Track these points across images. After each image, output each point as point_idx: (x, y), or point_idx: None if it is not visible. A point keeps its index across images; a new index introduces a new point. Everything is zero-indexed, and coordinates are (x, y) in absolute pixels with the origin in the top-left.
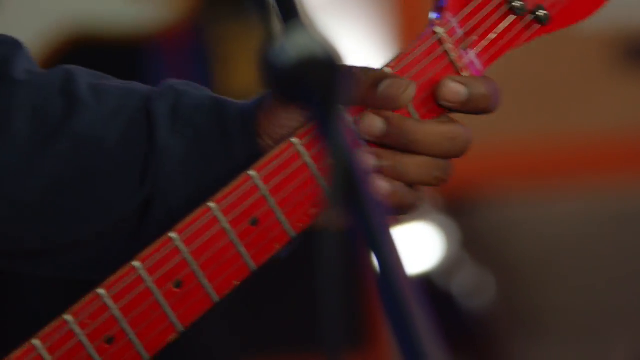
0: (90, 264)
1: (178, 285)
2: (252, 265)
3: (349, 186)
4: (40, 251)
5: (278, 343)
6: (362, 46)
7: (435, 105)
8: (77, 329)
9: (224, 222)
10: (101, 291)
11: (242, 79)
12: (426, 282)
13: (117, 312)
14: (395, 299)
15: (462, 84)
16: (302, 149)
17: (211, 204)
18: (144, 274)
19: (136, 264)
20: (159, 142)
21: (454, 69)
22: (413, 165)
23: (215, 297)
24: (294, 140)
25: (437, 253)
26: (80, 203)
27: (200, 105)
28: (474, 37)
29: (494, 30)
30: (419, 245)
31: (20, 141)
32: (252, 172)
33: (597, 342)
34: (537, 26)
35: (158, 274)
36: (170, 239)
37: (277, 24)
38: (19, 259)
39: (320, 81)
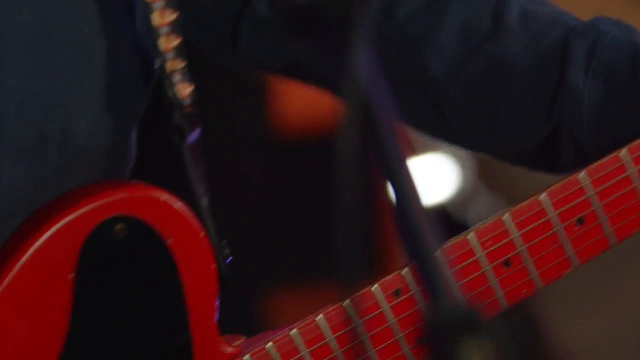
0: None
1: (580, 222)
2: None
3: (365, 118)
4: None
5: (293, 273)
6: None
7: None
8: (479, 250)
9: (633, 169)
10: (506, 217)
11: None
12: (442, 212)
13: (517, 239)
14: (412, 229)
15: None
16: None
17: (622, 153)
18: (549, 206)
19: (542, 196)
20: (569, 79)
21: None
22: None
23: (613, 241)
24: None
25: (453, 183)
26: (493, 123)
27: (617, 49)
28: None
29: None
30: (435, 176)
31: (444, 53)
32: None
33: (613, 270)
34: None
35: (562, 209)
36: (578, 180)
37: None
38: None
39: (338, 13)
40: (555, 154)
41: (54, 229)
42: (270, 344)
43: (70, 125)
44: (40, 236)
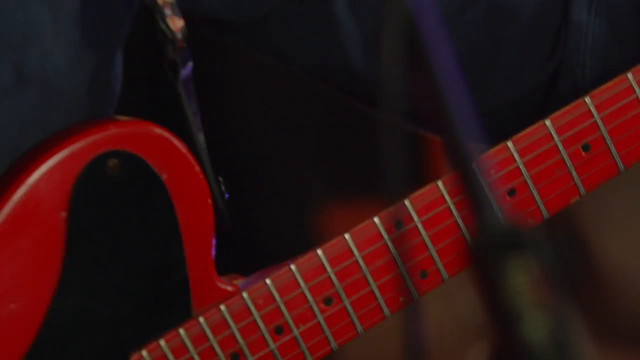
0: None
1: (586, 149)
2: None
3: (414, 47)
4: None
5: (339, 188)
6: None
7: None
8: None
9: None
10: (509, 144)
11: None
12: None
13: (522, 166)
14: (457, 144)
15: None
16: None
17: (629, 75)
18: (553, 132)
19: (547, 122)
20: (573, 17)
21: None
22: None
23: (622, 167)
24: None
25: None
26: (489, 73)
27: None
28: None
29: None
30: None
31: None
32: None
33: None
34: None
35: (567, 134)
36: (584, 102)
37: None
38: None
39: None
40: (546, 102)
41: (45, 166)
42: (269, 280)
43: (48, 61)
44: (29, 174)
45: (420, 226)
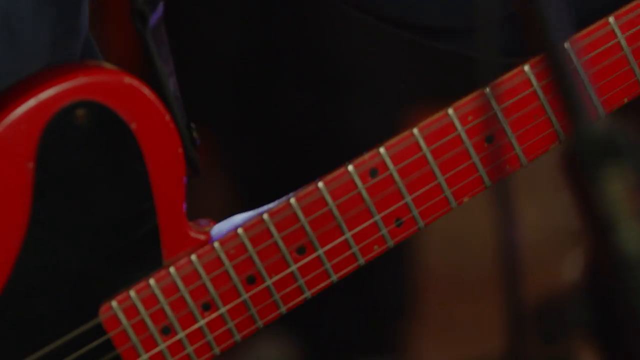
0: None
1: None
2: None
3: None
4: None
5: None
6: None
7: None
8: (459, 125)
9: (621, 36)
10: (487, 90)
11: None
12: None
13: (499, 113)
14: (553, 49)
15: None
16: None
17: (611, 19)
18: (532, 78)
19: (525, 67)
20: None
21: None
22: None
23: (602, 112)
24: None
25: None
26: None
27: None
28: None
29: None
30: None
31: None
32: None
33: None
34: None
35: (547, 80)
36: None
37: None
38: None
39: None
40: None
41: (11, 116)
42: (241, 230)
43: (12, 8)
44: None
45: (395, 175)
